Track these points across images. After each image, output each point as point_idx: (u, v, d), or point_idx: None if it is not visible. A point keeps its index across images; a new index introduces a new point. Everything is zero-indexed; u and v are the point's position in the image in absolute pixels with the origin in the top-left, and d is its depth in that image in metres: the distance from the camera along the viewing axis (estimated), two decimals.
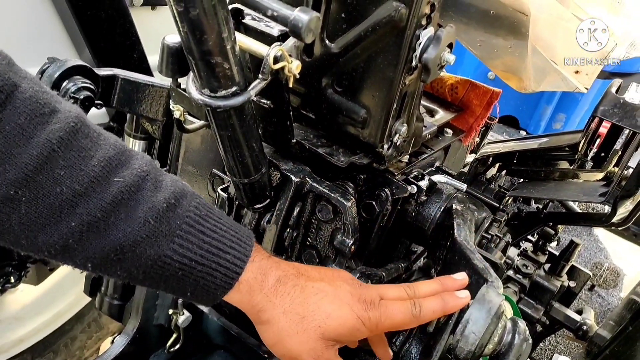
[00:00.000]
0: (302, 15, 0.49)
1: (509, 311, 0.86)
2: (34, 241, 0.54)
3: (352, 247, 0.95)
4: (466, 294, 0.74)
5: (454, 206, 0.99)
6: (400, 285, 0.77)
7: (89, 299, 1.53)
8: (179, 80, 0.78)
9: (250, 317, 0.69)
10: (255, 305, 0.67)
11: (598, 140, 1.34)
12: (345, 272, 0.78)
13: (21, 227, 0.52)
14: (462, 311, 0.78)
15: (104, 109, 1.07)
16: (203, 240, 0.61)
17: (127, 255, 0.57)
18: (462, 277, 0.78)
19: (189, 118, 0.92)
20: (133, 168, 0.58)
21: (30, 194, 0.51)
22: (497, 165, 1.31)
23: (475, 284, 0.86)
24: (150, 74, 1.22)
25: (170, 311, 1.12)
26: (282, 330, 0.67)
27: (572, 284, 1.51)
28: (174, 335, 1.16)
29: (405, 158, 1.05)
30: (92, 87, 0.91)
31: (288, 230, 0.93)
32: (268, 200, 0.90)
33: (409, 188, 0.96)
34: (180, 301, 1.11)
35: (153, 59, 1.36)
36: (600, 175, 1.26)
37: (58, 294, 1.87)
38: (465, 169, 1.30)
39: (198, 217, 0.62)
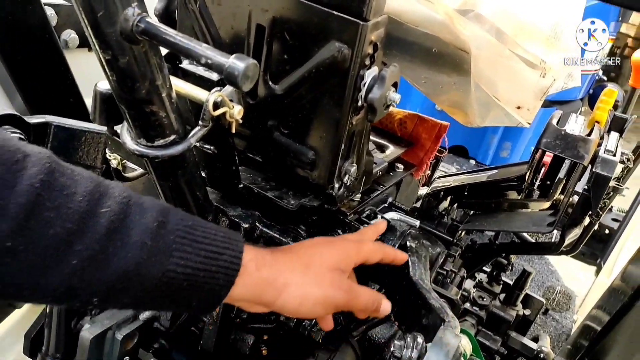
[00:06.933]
0: (237, 63, 0.47)
1: (467, 346, 0.85)
2: (37, 287, 0.54)
3: None
4: None
5: (408, 243, 0.98)
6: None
7: None
8: (115, 127, 0.74)
9: (266, 299, 0.72)
10: (267, 279, 0.70)
11: (543, 169, 1.36)
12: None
13: (22, 276, 0.53)
14: (420, 356, 0.75)
15: None
16: (198, 248, 0.63)
17: (133, 280, 0.58)
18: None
19: (130, 165, 0.88)
20: (114, 196, 0.58)
21: (25, 241, 0.51)
22: (449, 198, 1.31)
23: (432, 325, 0.85)
24: (89, 119, 1.17)
25: None
26: (299, 285, 0.73)
27: (527, 312, 1.52)
28: None
29: (358, 197, 1.03)
30: (23, 136, 0.85)
31: None
32: None
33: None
34: (126, 359, 1.04)
35: (90, 101, 1.31)
36: (548, 204, 1.28)
37: None
38: (418, 204, 1.30)
39: (187, 228, 0.63)
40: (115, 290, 0.58)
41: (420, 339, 0.76)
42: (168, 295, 0.62)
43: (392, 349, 0.76)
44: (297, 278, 0.73)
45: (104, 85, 0.68)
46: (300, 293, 0.73)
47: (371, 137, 1.17)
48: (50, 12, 1.14)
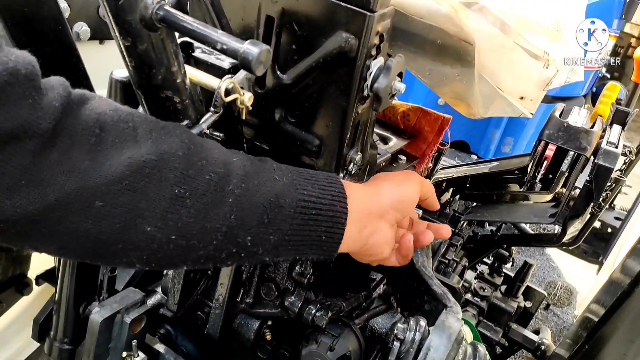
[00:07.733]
0: (252, 48, 0.49)
1: (468, 335, 0.87)
2: (204, 232, 0.61)
3: (311, 278, 0.94)
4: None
5: None
6: None
7: (38, 344, 1.45)
8: None
9: (374, 204, 0.79)
10: (363, 187, 0.79)
11: (545, 163, 1.38)
12: None
13: (190, 220, 0.59)
14: (423, 338, 0.77)
15: None
16: (311, 182, 0.71)
17: (275, 212, 0.65)
18: None
19: None
20: (234, 150, 0.67)
21: (189, 187, 0.59)
22: (451, 189, 1.33)
23: (434, 310, 0.87)
24: None
25: (124, 354, 1.07)
26: (382, 180, 0.83)
27: (528, 304, 1.54)
28: None
29: None
30: None
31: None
32: None
33: None
34: (134, 342, 1.06)
35: (101, 93, 1.32)
36: (549, 197, 1.30)
37: (4, 340, 1.77)
38: None
39: (296, 170, 0.71)
40: (263, 225, 0.64)
41: (422, 322, 0.78)
42: (303, 227, 0.68)
43: (395, 332, 0.78)
44: (377, 181, 0.84)
45: (120, 74, 0.70)
46: (388, 180, 0.82)
47: (375, 130, 1.19)
48: (63, 4, 1.15)
